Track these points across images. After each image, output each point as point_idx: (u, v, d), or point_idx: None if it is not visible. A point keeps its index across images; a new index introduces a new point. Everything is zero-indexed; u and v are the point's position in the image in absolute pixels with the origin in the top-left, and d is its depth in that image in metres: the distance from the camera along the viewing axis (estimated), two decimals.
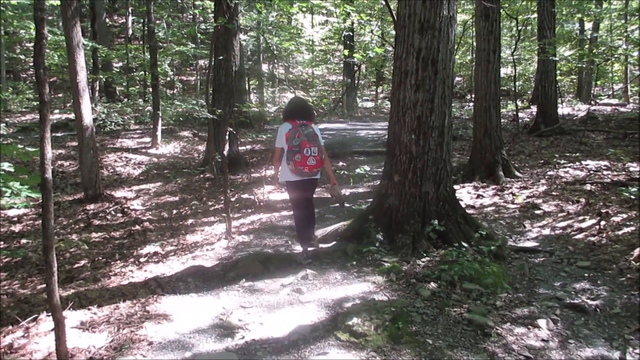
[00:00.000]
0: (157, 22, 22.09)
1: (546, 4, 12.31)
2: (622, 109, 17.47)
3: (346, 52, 11.27)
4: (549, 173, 8.82)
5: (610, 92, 24.14)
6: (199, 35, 19.91)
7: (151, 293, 4.47)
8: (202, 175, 9.68)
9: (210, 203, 8.18)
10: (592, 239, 5.63)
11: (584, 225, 6.09)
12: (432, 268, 4.68)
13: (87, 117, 8.59)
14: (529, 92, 23.05)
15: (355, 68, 25.63)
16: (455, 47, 9.23)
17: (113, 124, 14.44)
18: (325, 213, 7.21)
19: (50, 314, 3.03)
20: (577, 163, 9.46)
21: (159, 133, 12.55)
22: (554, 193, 7.56)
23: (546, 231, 6.12)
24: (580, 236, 5.78)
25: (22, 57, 22.11)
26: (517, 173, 8.86)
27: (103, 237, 6.76)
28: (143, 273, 5.12)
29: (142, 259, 5.63)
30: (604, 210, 6.37)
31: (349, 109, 22.44)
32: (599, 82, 25.27)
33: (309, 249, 5.28)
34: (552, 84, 12.62)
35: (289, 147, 4.95)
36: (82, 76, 8.46)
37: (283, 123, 5.18)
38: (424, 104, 5.23)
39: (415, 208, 5.35)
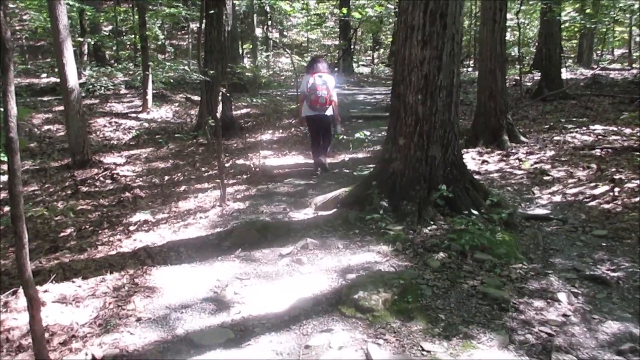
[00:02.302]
0: None
1: None
2: (626, 74, 17.06)
3: (345, 10, 10.74)
4: (556, 138, 8.50)
5: (612, 57, 23.66)
6: None
7: (140, 264, 4.18)
8: (195, 140, 9.30)
9: (203, 169, 7.83)
10: (607, 206, 5.36)
11: (596, 192, 5.81)
12: (441, 237, 4.39)
13: (72, 79, 8.13)
14: (527, 58, 22.51)
15: (352, 31, 24.93)
16: None
17: (102, 88, 13.92)
18: (324, 179, 6.89)
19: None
20: (584, 128, 9.14)
21: (149, 97, 12.07)
22: (562, 158, 7.26)
23: (557, 198, 5.83)
24: (593, 203, 5.50)
25: (6, 19, 21.28)
26: (522, 138, 8.53)
27: (91, 205, 6.42)
28: (132, 242, 4.81)
29: (131, 228, 5.32)
30: (617, 177, 6.09)
31: (346, 73, 21.88)
32: (600, 47, 24.70)
33: (319, 170, 7.08)
34: (557, 46, 12.17)
35: (307, 90, 6.76)
36: (65, 35, 7.95)
37: (305, 75, 7.03)
38: (431, 61, 4.84)
39: (421, 173, 5.03)
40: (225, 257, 4.28)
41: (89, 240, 4.99)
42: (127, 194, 6.72)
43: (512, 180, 6.64)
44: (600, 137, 8.42)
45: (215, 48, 9.12)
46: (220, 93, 5.93)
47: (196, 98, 13.07)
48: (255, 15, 16.81)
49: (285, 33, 30.53)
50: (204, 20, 8.80)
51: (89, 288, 3.76)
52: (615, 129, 8.90)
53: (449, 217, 4.87)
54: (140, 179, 7.58)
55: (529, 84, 15.00)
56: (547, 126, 9.60)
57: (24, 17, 23.52)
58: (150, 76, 11.80)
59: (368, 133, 8.64)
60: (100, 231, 5.31)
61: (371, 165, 7.56)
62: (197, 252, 4.42)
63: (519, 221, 5.00)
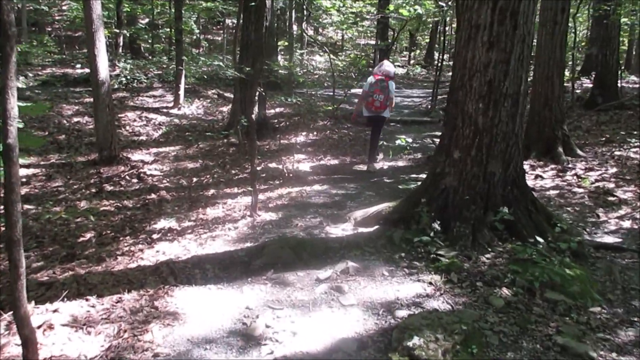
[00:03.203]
0: None
1: None
2: None
3: (391, 6, 10.13)
4: (617, 153, 7.77)
5: None
6: None
7: (162, 282, 3.73)
8: (225, 140, 8.89)
9: (234, 171, 7.40)
10: None
11: None
12: (502, 268, 3.82)
13: (103, 71, 7.80)
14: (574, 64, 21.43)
15: (391, 32, 24.25)
16: None
17: (135, 81, 13.68)
18: (363, 189, 6.37)
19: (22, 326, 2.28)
20: None
21: (181, 92, 11.74)
22: (627, 177, 6.57)
23: (626, 223, 5.18)
24: None
25: (45, 8, 21.36)
26: (579, 152, 7.83)
27: (114, 206, 6.05)
28: (155, 254, 4.38)
29: (155, 235, 4.90)
30: None
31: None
32: None
33: (369, 166, 7.39)
34: (615, 52, 11.32)
35: (367, 91, 7.15)
36: (98, 25, 7.63)
37: (371, 76, 7.34)
38: (497, 65, 4.27)
39: (477, 191, 4.46)
40: (255, 279, 3.81)
41: (109, 249, 4.59)
42: (153, 195, 6.33)
43: (572, 199, 6.00)
44: None
45: (252, 44, 8.68)
46: (257, 93, 5.45)
47: (229, 95, 12.69)
48: (293, 11, 16.35)
49: (320, 31, 30.04)
50: (242, 14, 8.38)
51: (104, 310, 3.33)
52: None
53: (508, 242, 4.30)
54: (168, 179, 7.19)
55: (577, 91, 14.14)
56: (604, 139, 8.85)
57: (64, 7, 23.66)
58: (183, 71, 11.46)
59: (410, 140, 8.07)
60: (121, 238, 4.91)
61: (414, 176, 7.04)
62: (224, 271, 3.97)
63: (587, 251, 4.39)
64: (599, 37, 11.81)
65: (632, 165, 7.04)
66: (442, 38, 26.47)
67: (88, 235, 5.05)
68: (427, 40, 31.69)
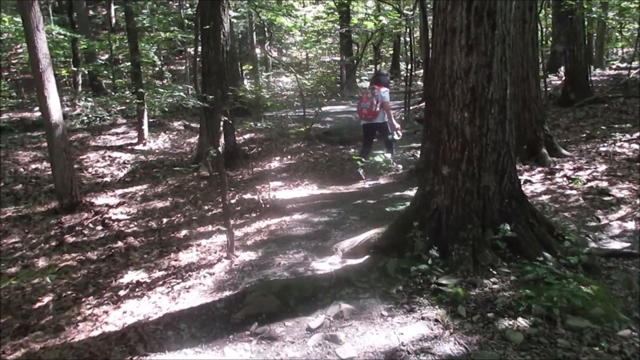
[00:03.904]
0: (142, 10, 20.60)
1: None
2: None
3: (355, 20, 9.87)
4: (602, 149, 7.54)
5: (622, 56, 22.75)
6: (186, 21, 18.49)
7: (130, 353, 3.22)
8: (195, 174, 8.39)
9: (206, 207, 6.90)
10: None
11: None
12: (512, 293, 3.42)
13: (56, 113, 7.27)
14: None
15: (355, 46, 24.15)
16: None
17: (98, 119, 13.09)
18: (347, 214, 5.94)
19: None
20: (627, 135, 8.17)
21: (145, 127, 11.21)
22: (619, 173, 6.30)
23: (630, 225, 4.86)
24: None
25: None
26: (563, 151, 7.58)
27: (77, 260, 5.49)
28: (121, 316, 3.86)
29: (121, 292, 4.37)
30: None
31: (350, 89, 21.05)
32: (607, 46, 23.76)
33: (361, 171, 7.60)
34: (582, 47, 11.24)
35: (359, 101, 7.58)
36: (46, 65, 7.11)
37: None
38: (479, 70, 3.92)
39: (472, 208, 4.08)
40: (238, 336, 3.32)
41: (69, 314, 4.05)
42: (120, 243, 5.80)
43: (567, 203, 5.68)
44: None
45: (213, 70, 8.26)
46: (222, 120, 5.01)
47: (195, 125, 12.21)
48: (254, 34, 16.03)
49: (284, 51, 29.82)
50: (200, 40, 7.98)
51: None
52: None
53: (513, 262, 3.91)
54: (135, 222, 6.65)
55: (548, 89, 14.06)
56: (585, 135, 8.65)
57: (19, 51, 22.93)
58: (145, 104, 10.95)
59: (389, 156, 7.70)
60: (83, 299, 4.36)
61: (398, 194, 6.66)
62: (202, 329, 3.46)
63: (598, 262, 4.03)
64: (562, 33, 11.75)
65: (621, 160, 6.79)
66: (407, 48, 26.49)
67: (46, 300, 4.49)
68: (392, 52, 31.81)
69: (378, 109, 7.29)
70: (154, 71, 20.73)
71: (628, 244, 4.43)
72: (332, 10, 22.27)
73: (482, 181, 4.07)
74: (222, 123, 5.24)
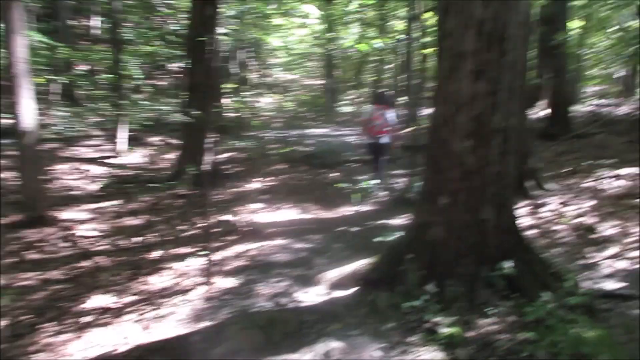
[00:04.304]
0: (126, 24, 20.27)
1: None
2: (622, 110, 16.35)
3: (350, 42, 9.82)
4: (587, 184, 7.49)
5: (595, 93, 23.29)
6: (169, 36, 18.25)
7: None
8: (172, 192, 8.02)
9: (182, 228, 6.54)
10: None
11: None
12: (513, 336, 3.20)
13: (29, 120, 6.86)
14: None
15: (338, 72, 24.21)
16: None
17: (72, 130, 12.62)
18: (330, 241, 5.68)
19: None
20: (610, 171, 8.16)
21: (122, 140, 10.81)
22: (605, 210, 6.20)
23: (621, 264, 4.73)
24: None
25: None
26: (548, 185, 7.48)
27: (38, 279, 5.07)
28: (84, 347, 3.50)
29: (86, 319, 3.99)
30: None
31: (331, 113, 20.98)
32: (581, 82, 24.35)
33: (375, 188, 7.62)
34: (565, 81, 11.38)
35: (367, 119, 7.73)
36: (22, 70, 6.74)
37: (370, 105, 8.29)
38: (485, 98, 3.77)
39: (470, 242, 3.89)
40: None
41: (22, 344, 3.64)
42: (87, 262, 5.40)
43: (555, 239, 5.55)
44: (632, 181, 7.43)
45: (199, 86, 8.00)
46: (215, 138, 4.73)
47: (175, 142, 11.85)
48: (237, 52, 15.85)
49: (267, 72, 29.75)
50: (189, 55, 7.73)
51: None
52: None
53: (510, 300, 3.70)
54: (105, 240, 6.25)
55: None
56: (569, 170, 8.61)
57: None
58: (124, 117, 10.58)
59: (376, 182, 7.52)
60: (42, 325, 3.96)
61: (382, 222, 6.45)
62: None
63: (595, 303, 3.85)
64: (547, 67, 11.89)
65: (606, 197, 6.72)
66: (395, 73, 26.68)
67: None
68: (373, 78, 32.09)
69: (388, 129, 7.63)
70: (134, 85, 20.35)
71: (622, 285, 4.27)
72: (317, 34, 22.39)
73: (481, 214, 3.88)
74: (212, 141, 4.95)
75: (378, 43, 8.61)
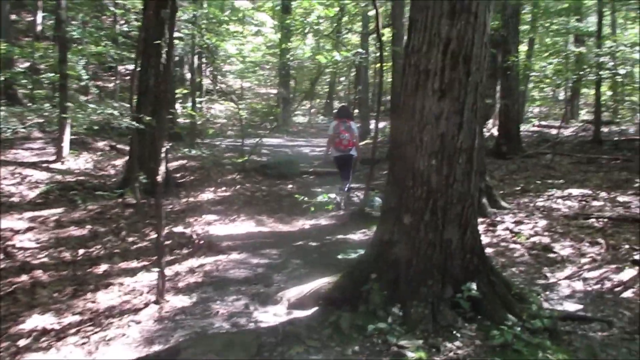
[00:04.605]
0: (72, 21, 19.41)
1: (512, 20, 11.42)
2: (565, 132, 17.06)
3: (308, 52, 9.76)
4: (539, 203, 7.68)
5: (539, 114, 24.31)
6: (120, 37, 17.64)
7: None
8: (120, 200, 7.62)
9: (131, 239, 6.20)
10: None
11: (623, 277, 4.84)
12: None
13: None
14: None
15: (292, 82, 24.17)
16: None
17: (10, 131, 11.85)
18: (289, 257, 5.52)
19: None
20: (559, 191, 8.43)
21: (65, 143, 10.24)
22: (559, 229, 6.35)
23: (578, 285, 4.80)
24: (629, 294, 4.50)
25: None
26: (502, 203, 7.62)
27: None
28: None
29: (22, 342, 3.64)
30: (637, 257, 5.19)
31: (285, 123, 20.87)
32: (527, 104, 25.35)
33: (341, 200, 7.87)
34: (516, 102, 11.74)
35: (334, 134, 7.74)
36: None
37: (333, 120, 8.16)
38: (450, 116, 3.74)
39: (434, 262, 3.82)
40: None
41: None
42: (24, 277, 4.99)
43: (513, 258, 5.60)
44: (582, 202, 7.70)
45: (151, 90, 7.68)
46: (167, 146, 4.49)
47: (123, 147, 11.36)
48: (191, 57, 15.47)
49: (220, 79, 29.31)
50: (141, 57, 7.40)
51: None
52: (590, 192, 8.24)
53: (474, 323, 3.65)
54: (46, 252, 5.82)
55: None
56: (520, 188, 8.84)
57: None
58: (68, 119, 10.03)
59: (332, 195, 7.42)
60: None
61: (341, 237, 6.35)
62: None
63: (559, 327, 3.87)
64: (497, 87, 12.25)
65: (559, 216, 6.89)
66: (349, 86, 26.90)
67: None
68: (327, 90, 32.28)
69: (355, 140, 7.80)
70: (79, 85, 19.47)
71: (581, 306, 4.33)
72: (272, 43, 22.25)
73: (445, 234, 3.83)
74: (164, 147, 4.69)
75: (337, 55, 8.54)
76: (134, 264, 5.37)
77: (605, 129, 15.53)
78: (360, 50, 9.44)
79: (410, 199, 3.86)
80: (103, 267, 5.29)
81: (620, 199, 7.70)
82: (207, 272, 5.04)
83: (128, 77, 21.93)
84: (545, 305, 4.29)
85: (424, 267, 3.81)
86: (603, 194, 8.08)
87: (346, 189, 8.10)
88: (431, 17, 3.73)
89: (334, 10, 11.42)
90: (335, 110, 8.86)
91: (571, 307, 4.32)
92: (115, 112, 7.68)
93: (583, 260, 5.34)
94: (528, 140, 14.60)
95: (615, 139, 14.87)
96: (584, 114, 23.59)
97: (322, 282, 4.27)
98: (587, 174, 9.90)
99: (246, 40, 22.15)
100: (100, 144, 11.84)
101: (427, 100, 3.75)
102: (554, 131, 17.59)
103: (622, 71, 10.13)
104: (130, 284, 4.79)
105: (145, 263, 5.31)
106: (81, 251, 5.87)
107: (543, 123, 21.23)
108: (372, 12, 19.09)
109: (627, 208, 7.14)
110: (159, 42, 6.86)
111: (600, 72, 10.85)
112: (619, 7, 16.09)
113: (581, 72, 11.21)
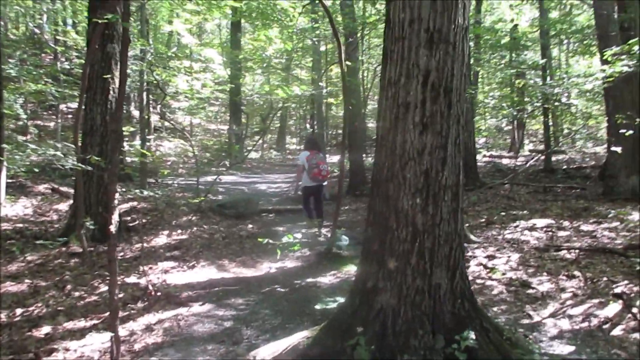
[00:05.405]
0: (9, 59, 18.47)
1: None
2: (515, 162, 17.47)
3: (267, 87, 9.47)
4: (507, 236, 7.57)
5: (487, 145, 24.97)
6: (61, 75, 16.91)
7: None
8: (64, 249, 6.93)
9: (78, 294, 5.56)
10: (638, 336, 4.19)
11: (608, 312, 4.68)
12: None
13: None
14: None
15: (243, 118, 23.79)
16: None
17: None
18: (257, 307, 5.06)
19: None
20: (523, 222, 8.39)
21: (1, 188, 9.41)
22: (533, 263, 6.20)
23: (564, 323, 4.59)
24: (618, 332, 4.31)
25: None
26: (471, 236, 7.47)
27: None
28: None
29: None
30: (618, 290, 5.07)
31: (238, 159, 20.42)
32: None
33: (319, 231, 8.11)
34: (472, 134, 11.86)
35: (310, 164, 7.92)
36: None
37: (303, 151, 8.28)
38: (433, 151, 3.49)
39: (423, 310, 3.50)
40: None
41: None
42: None
43: (491, 296, 5.37)
44: (549, 232, 7.65)
45: (97, 129, 7.16)
46: (118, 192, 4.01)
47: (66, 190, 10.60)
48: (139, 94, 14.92)
49: (169, 116, 28.62)
50: (86, 94, 6.89)
51: None
52: (554, 222, 8.24)
53: None
54: None
55: None
56: (484, 220, 8.75)
57: None
58: (4, 162, 9.24)
59: (298, 235, 7.02)
60: None
61: (311, 281, 5.96)
62: None
63: None
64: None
65: (530, 249, 6.77)
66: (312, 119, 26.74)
67: None
68: (278, 125, 32.16)
69: (327, 171, 8.11)
70: (17, 125, 18.40)
71: (572, 348, 4.10)
72: (221, 79, 21.94)
73: (433, 278, 3.53)
74: (113, 189, 4.20)
75: (296, 89, 8.35)
76: (82, 323, 4.76)
77: (553, 158, 15.98)
78: (321, 84, 9.26)
79: (395, 241, 3.55)
80: (45, 329, 4.64)
81: (584, 227, 7.72)
82: (167, 330, 4.50)
83: (70, 116, 21.05)
84: (534, 347, 4.04)
85: (413, 316, 3.48)
86: (566, 223, 8.09)
87: (323, 220, 8.35)
88: (408, 48, 3.51)
89: (291, 44, 11.26)
90: (305, 142, 8.94)
91: (563, 348, 4.08)
92: (59, 153, 7.06)
93: (564, 296, 5.17)
94: (483, 171, 14.81)
95: (564, 167, 15.35)
96: (528, 144, 24.45)
97: (299, 337, 3.85)
98: (546, 203, 9.97)
99: (194, 77, 21.76)
100: (41, 187, 11.00)
101: (408, 134, 3.50)
102: (504, 161, 18.09)
103: (575, 102, 10.40)
104: (78, 348, 4.20)
105: (95, 322, 4.71)
106: (19, 311, 5.17)
107: (493, 153, 21.80)
108: (323, 47, 19.30)
109: (593, 237, 7.12)
110: (107, 76, 6.38)
111: (547, 104, 11.14)
112: (564, 41, 16.83)
113: (528, 104, 11.48)
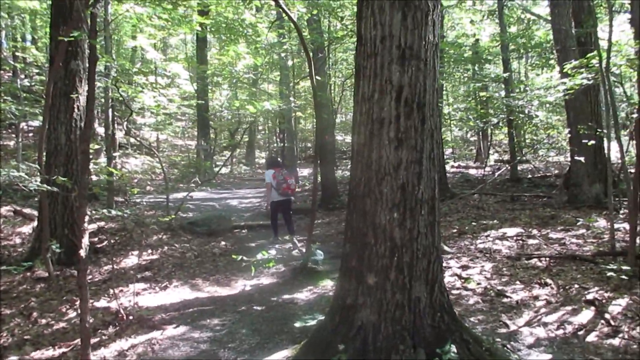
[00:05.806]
0: None
1: None
2: (482, 172, 17.82)
3: (237, 102, 9.42)
4: (479, 245, 7.67)
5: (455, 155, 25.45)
6: (21, 92, 16.46)
7: None
8: (29, 274, 6.68)
9: (45, 321, 5.34)
10: (614, 342, 4.27)
11: (582, 319, 4.76)
12: None
13: None
14: None
15: (212, 133, 23.58)
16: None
17: None
18: (234, 327, 4.95)
19: None
20: (493, 231, 8.54)
21: None
22: (506, 272, 6.29)
23: (540, 331, 4.65)
24: (593, 338, 4.38)
25: None
26: (445, 247, 7.53)
27: None
28: None
29: None
30: (590, 297, 5.18)
31: (207, 175, 20.19)
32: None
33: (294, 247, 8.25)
34: (440, 145, 12.04)
35: (277, 181, 8.25)
36: None
37: (268, 169, 8.55)
38: (409, 166, 3.51)
39: (404, 325, 3.49)
40: None
41: None
42: None
43: (467, 306, 5.40)
44: (519, 241, 7.79)
45: (62, 148, 6.96)
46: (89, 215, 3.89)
47: (30, 212, 10.25)
48: (106, 110, 14.64)
49: (134, 132, 28.15)
50: (49, 113, 6.71)
51: None
52: (523, 230, 8.40)
53: None
54: None
55: None
56: (456, 230, 8.86)
57: None
58: None
59: (272, 252, 6.96)
60: None
61: (287, 297, 5.88)
62: None
63: None
64: None
65: (502, 258, 6.88)
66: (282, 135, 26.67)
67: None
68: (246, 139, 32.01)
69: (294, 186, 8.56)
70: None
71: (549, 356, 4.15)
72: (189, 95, 21.73)
73: (413, 292, 3.53)
74: (79, 210, 4.06)
75: (267, 104, 8.37)
76: (50, 352, 4.57)
77: (519, 167, 16.36)
78: (291, 98, 9.27)
79: (374, 256, 3.55)
80: None
81: (553, 235, 7.90)
82: (140, 355, 4.36)
83: (32, 134, 20.48)
84: (513, 356, 4.08)
85: (394, 331, 3.47)
86: (535, 232, 8.26)
87: (294, 234, 8.61)
88: (380, 64, 3.54)
89: (260, 60, 11.25)
90: (266, 162, 9.47)
91: (540, 356, 4.12)
92: (22, 174, 6.82)
93: (538, 304, 5.24)
94: (452, 182, 15.04)
95: (529, 176, 15.73)
96: (493, 154, 25.01)
97: (279, 357, 3.79)
98: (515, 212, 10.18)
99: (160, 93, 21.47)
100: (2, 210, 10.60)
101: (384, 149, 3.51)
102: (471, 171, 18.42)
103: (539, 113, 10.70)
104: None
105: (64, 349, 4.53)
106: None
107: (460, 164, 22.19)
108: (290, 62, 19.36)
109: (562, 245, 7.28)
110: (73, 95, 6.22)
111: (512, 116, 11.46)
112: (523, 56, 17.36)
113: (493, 117, 11.78)
